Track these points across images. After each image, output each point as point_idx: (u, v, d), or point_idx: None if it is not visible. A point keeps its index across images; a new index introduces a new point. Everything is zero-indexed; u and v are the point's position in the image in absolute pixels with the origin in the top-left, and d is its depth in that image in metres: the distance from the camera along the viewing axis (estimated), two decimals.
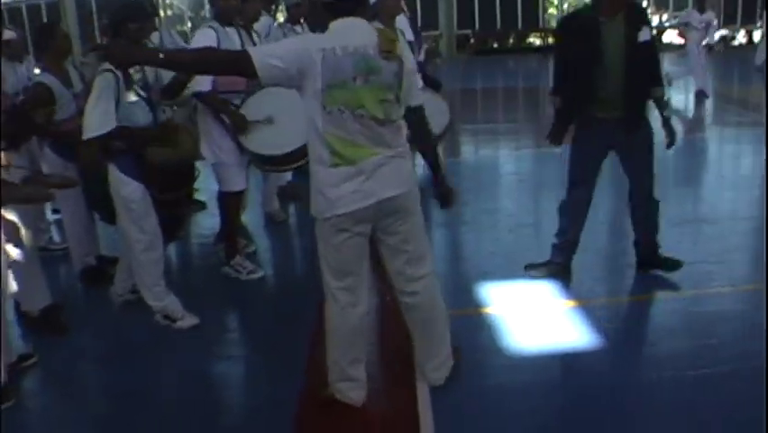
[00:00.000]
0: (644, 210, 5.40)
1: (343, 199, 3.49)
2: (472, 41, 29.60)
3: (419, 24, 21.52)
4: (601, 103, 5.10)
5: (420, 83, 4.93)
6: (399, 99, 3.54)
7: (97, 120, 4.60)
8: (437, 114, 5.90)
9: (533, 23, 28.94)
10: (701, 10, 16.20)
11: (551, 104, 5.69)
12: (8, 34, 6.77)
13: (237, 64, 3.46)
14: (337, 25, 3.48)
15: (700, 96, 15.18)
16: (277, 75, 3.37)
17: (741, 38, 29.92)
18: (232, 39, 5.64)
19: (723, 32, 24.50)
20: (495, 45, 31.33)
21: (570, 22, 5.70)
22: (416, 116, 3.74)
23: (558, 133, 5.49)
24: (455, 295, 5.19)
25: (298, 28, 8.81)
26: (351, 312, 3.73)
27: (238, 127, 5.48)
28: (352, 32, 3.45)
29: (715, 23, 16.79)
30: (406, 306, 3.90)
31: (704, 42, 15.75)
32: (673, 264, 5.49)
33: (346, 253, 3.63)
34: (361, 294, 3.76)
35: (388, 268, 3.85)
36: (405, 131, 3.67)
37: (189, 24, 29.73)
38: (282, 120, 5.45)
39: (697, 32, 15.68)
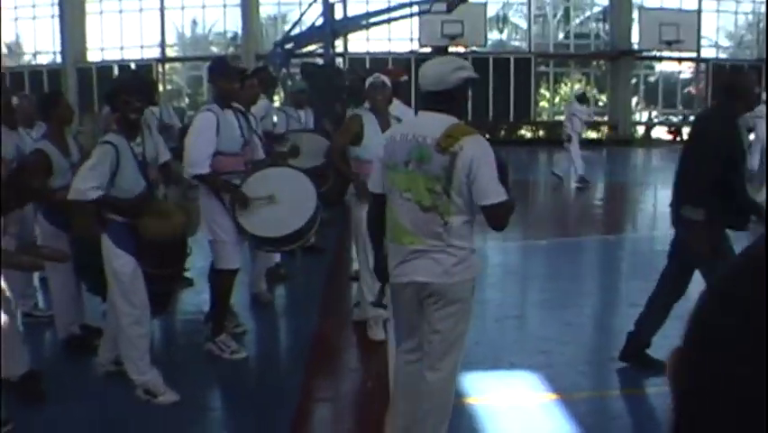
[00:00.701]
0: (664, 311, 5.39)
1: (392, 271, 3.90)
2: None
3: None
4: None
5: None
6: (449, 193, 3.68)
7: (86, 186, 4.68)
8: None
9: (524, 116, 29.41)
10: None
11: (689, 215, 5.16)
12: (12, 100, 6.85)
13: None
14: (419, 115, 3.97)
15: None
16: None
17: None
18: (230, 122, 5.75)
19: None
20: (487, 136, 31.54)
21: (729, 121, 5.21)
22: (486, 214, 3.78)
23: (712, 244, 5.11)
24: None
25: (302, 113, 9.01)
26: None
27: (239, 204, 5.56)
28: (422, 123, 3.86)
29: None
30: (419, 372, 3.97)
31: None
32: (657, 366, 5.32)
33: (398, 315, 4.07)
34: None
35: None
36: (466, 230, 3.82)
37: (187, 101, 30.11)
38: (281, 202, 5.54)
39: None
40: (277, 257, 7.88)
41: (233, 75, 5.83)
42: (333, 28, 16.86)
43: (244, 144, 5.86)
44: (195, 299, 7.18)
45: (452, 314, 3.83)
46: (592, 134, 30.70)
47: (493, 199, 3.72)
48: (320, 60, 17.29)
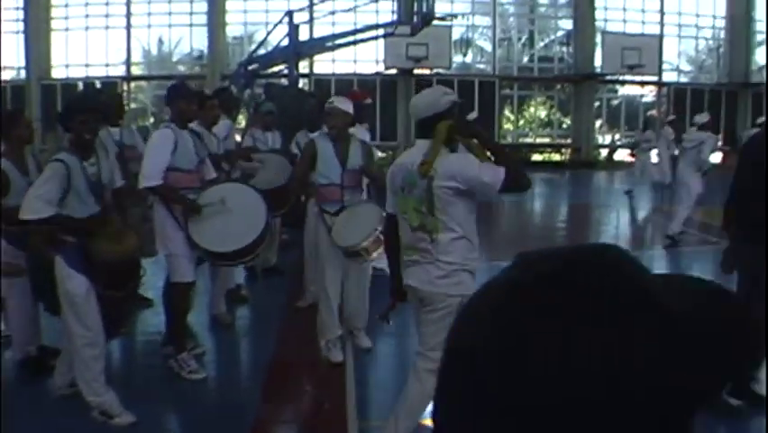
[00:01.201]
0: None
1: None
2: None
3: (378, 137, 22.04)
4: None
5: None
6: (434, 213, 4.11)
7: (36, 204, 4.68)
8: (367, 221, 5.90)
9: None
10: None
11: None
12: None
13: None
14: (415, 143, 4.34)
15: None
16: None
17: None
18: (187, 140, 5.85)
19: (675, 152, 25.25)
20: None
21: None
22: (507, 192, 4.18)
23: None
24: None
25: (269, 135, 9.06)
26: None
27: (192, 212, 5.64)
28: (414, 151, 4.27)
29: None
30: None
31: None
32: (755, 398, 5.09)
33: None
34: None
35: None
36: (455, 247, 4.15)
37: (152, 119, 29.98)
38: (233, 213, 5.61)
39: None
40: (237, 278, 7.89)
41: (191, 96, 5.93)
42: (297, 49, 16.92)
43: (199, 163, 5.96)
44: (153, 319, 7.14)
45: (434, 321, 4.13)
46: (555, 157, 31.05)
47: (496, 180, 4.00)
48: (285, 81, 17.33)
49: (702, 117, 12.85)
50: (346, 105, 6.30)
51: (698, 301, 0.73)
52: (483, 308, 0.74)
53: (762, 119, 21.60)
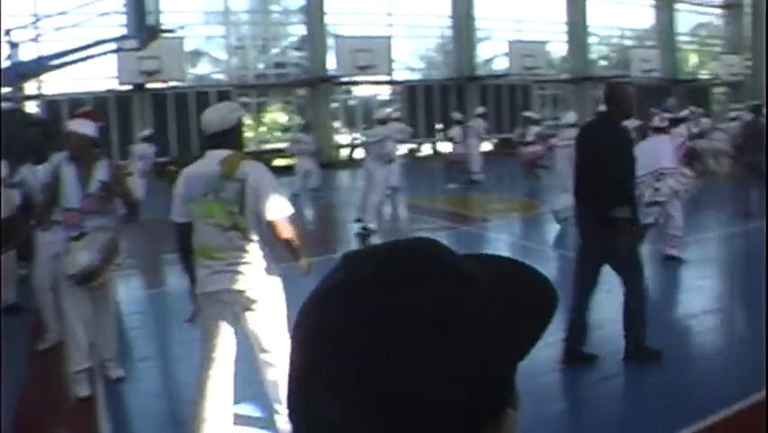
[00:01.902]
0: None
1: (204, 281, 4.68)
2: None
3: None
4: None
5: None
6: (244, 213, 4.53)
7: None
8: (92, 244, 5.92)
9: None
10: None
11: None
12: None
13: None
14: (207, 154, 4.72)
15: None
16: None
17: (427, 150, 32.33)
18: None
19: (411, 145, 26.16)
20: None
21: (621, 127, 6.16)
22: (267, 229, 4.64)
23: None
24: None
25: None
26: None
27: None
28: (211, 159, 4.65)
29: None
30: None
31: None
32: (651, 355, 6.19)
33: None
34: None
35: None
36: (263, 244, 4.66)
37: None
38: None
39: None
40: None
41: None
42: (20, 70, 16.02)
43: None
44: None
45: (264, 320, 4.70)
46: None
47: (278, 214, 4.58)
48: (7, 105, 16.34)
49: (381, 113, 14.92)
50: (85, 128, 6.07)
51: (501, 273, 0.84)
52: (314, 313, 0.79)
53: (480, 109, 23.30)
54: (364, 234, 13.03)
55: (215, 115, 4.75)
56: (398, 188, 15.43)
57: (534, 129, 19.61)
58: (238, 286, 4.60)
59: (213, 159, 4.65)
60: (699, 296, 8.84)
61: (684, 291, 9.38)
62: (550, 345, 6.18)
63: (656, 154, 9.36)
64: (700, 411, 5.20)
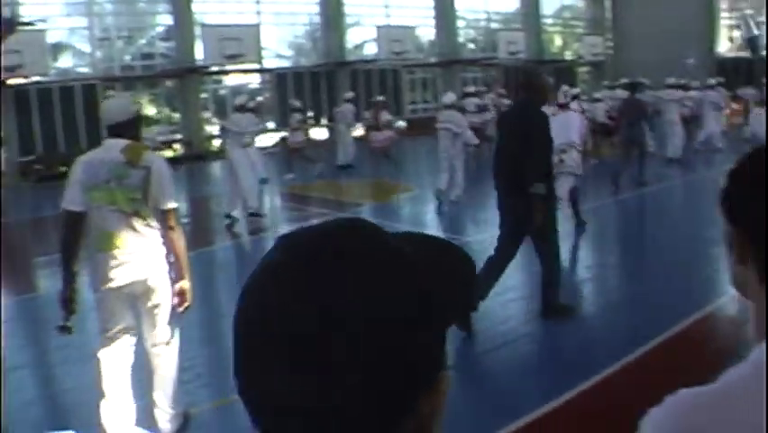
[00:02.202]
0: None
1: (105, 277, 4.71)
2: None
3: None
4: None
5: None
6: (147, 200, 4.67)
7: None
8: None
9: (97, 145, 28.22)
10: None
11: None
12: None
13: None
14: (106, 142, 4.86)
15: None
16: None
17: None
18: None
19: (284, 133, 26.10)
20: (64, 169, 30.04)
21: (540, 110, 6.89)
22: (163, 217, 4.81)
23: None
24: None
25: None
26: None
27: None
28: (111, 147, 4.77)
29: None
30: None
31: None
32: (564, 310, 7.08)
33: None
34: None
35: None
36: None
37: None
38: None
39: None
40: None
41: None
42: None
43: None
44: None
45: (162, 310, 4.84)
46: (168, 153, 30.78)
47: (173, 204, 4.84)
48: None
49: (241, 99, 15.21)
50: None
51: (428, 249, 0.94)
52: (254, 292, 0.84)
53: (349, 94, 23.36)
54: (230, 225, 13.53)
55: (117, 105, 5.09)
56: (267, 179, 15.49)
57: (386, 116, 20.01)
58: (141, 276, 4.70)
59: (113, 147, 4.77)
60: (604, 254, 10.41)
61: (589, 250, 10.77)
62: None
63: (565, 129, 10.02)
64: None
